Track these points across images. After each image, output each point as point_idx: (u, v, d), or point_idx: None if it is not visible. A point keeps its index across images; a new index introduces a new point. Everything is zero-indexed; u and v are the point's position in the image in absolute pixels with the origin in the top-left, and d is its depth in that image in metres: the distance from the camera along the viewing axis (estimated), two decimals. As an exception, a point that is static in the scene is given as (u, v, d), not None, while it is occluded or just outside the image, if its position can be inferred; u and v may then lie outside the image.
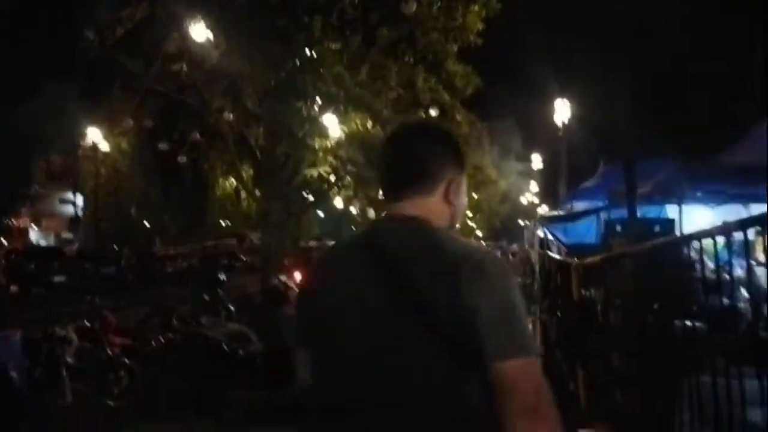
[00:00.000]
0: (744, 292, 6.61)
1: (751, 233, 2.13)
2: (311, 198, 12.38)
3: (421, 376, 1.13)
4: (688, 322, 3.90)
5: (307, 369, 1.30)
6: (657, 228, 4.12)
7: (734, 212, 9.25)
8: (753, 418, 2.11)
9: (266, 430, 5.34)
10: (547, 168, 32.72)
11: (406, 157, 1.31)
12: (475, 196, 35.09)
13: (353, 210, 20.65)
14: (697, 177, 7.05)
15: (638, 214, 7.43)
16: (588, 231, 12.83)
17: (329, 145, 11.38)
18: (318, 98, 9.84)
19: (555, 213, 14.01)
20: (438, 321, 1.11)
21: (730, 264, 2.91)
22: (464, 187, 1.36)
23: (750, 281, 3.56)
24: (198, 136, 11.34)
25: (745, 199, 8.79)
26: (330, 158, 11.53)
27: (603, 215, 12.14)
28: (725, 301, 4.76)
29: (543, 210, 23.67)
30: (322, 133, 11.00)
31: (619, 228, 4.30)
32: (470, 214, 41.15)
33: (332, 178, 11.86)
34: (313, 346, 1.29)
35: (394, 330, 1.15)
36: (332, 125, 10.73)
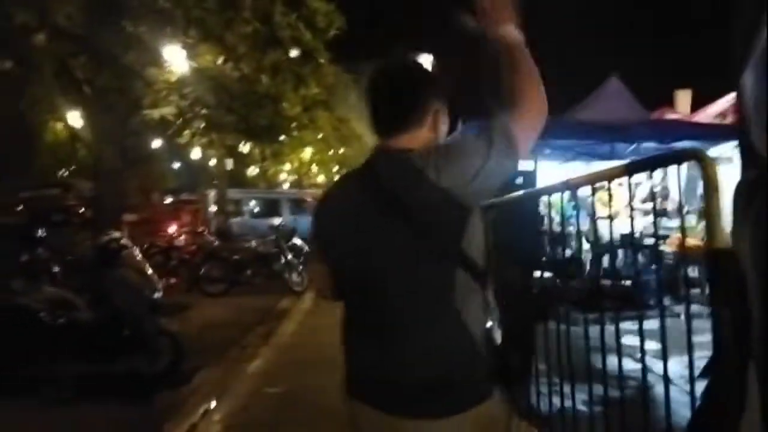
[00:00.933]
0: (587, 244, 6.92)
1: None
2: (154, 144, 10.89)
3: (413, 274, 1.34)
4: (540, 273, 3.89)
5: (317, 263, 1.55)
6: (520, 179, 3.85)
7: (581, 169, 9.81)
8: (596, 363, 2.19)
9: (100, 407, 4.60)
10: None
11: (397, 97, 1.41)
12: (341, 150, 34.64)
13: (213, 161, 19.07)
14: (547, 133, 7.15)
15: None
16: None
17: (173, 82, 9.91)
18: (147, 17, 8.26)
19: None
20: (425, 226, 1.31)
21: (577, 218, 3.03)
22: (445, 116, 1.47)
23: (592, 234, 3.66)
24: (7, 64, 9.17)
25: (589, 157, 9.30)
26: (174, 98, 10.10)
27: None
28: (568, 252, 4.94)
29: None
30: (161, 64, 9.53)
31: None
32: (336, 169, 40.75)
33: (180, 121, 10.49)
34: (325, 251, 1.53)
35: (389, 240, 1.34)
36: (175, 57, 9.32)
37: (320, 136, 28.59)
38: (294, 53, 10.34)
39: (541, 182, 7.68)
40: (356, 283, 1.42)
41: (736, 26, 1.52)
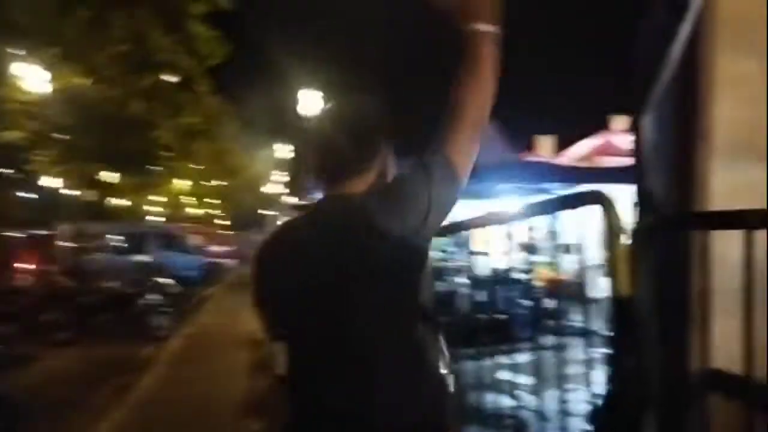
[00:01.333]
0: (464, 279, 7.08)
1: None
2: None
3: (376, 324, 1.28)
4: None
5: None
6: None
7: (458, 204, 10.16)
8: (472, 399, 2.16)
9: None
10: (297, 157, 32.75)
11: (348, 145, 1.34)
12: (222, 183, 33.34)
13: (72, 191, 17.25)
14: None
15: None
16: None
17: (25, 102, 8.75)
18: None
19: (304, 203, 13.72)
20: (382, 272, 1.28)
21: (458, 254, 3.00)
22: (393, 156, 1.42)
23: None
24: None
25: (467, 195, 9.70)
26: (27, 120, 8.94)
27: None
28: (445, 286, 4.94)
29: (289, 200, 23.49)
30: (10, 83, 8.40)
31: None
32: (215, 201, 39.02)
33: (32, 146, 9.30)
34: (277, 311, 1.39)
35: (349, 288, 1.28)
36: (30, 75, 8.28)
37: (199, 167, 27.35)
38: (172, 79, 9.70)
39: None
40: (315, 332, 1.34)
41: (636, 69, 1.54)
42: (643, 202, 1.54)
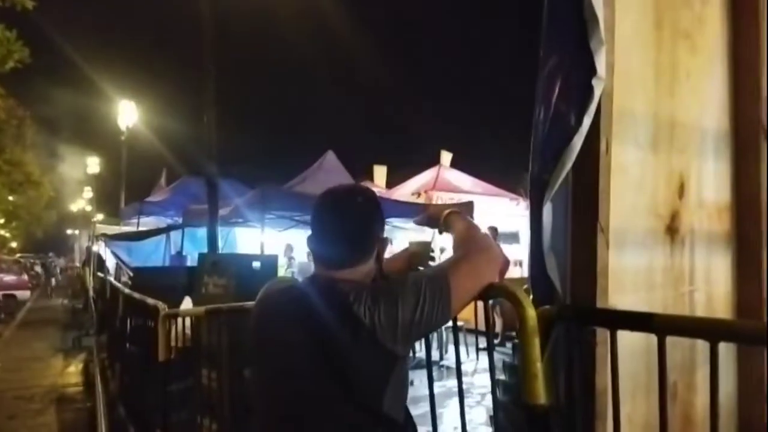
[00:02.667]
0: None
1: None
2: None
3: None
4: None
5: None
6: (257, 264, 3.47)
7: (299, 235, 9.96)
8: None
9: None
10: (107, 174, 29.53)
11: (348, 236, 1.39)
12: (11, 198, 28.72)
13: None
14: (266, 204, 7.03)
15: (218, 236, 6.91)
16: (156, 251, 11.73)
17: None
18: None
19: (118, 230, 12.26)
20: (347, 367, 1.27)
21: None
22: (387, 244, 1.49)
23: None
24: None
25: (306, 225, 9.52)
26: None
27: (175, 233, 11.33)
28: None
29: (99, 220, 21.09)
30: None
31: (216, 265, 3.47)
32: (1, 221, 33.40)
33: None
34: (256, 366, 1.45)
35: (311, 377, 1.28)
36: None
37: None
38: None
39: (267, 246, 7.53)
40: (274, 410, 1.36)
41: (537, 158, 1.49)
42: (540, 292, 1.49)
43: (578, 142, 1.41)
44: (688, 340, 1.63)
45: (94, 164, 29.80)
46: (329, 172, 8.14)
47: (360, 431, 1.28)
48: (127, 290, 5.57)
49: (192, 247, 11.14)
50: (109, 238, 10.49)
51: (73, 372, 7.96)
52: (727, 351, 1.80)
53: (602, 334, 1.45)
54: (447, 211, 1.61)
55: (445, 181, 9.67)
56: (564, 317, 1.36)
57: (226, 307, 2.67)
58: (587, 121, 1.39)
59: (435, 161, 11.30)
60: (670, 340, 1.52)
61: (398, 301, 1.28)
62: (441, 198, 8.83)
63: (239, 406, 3.42)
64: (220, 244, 10.44)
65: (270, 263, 3.57)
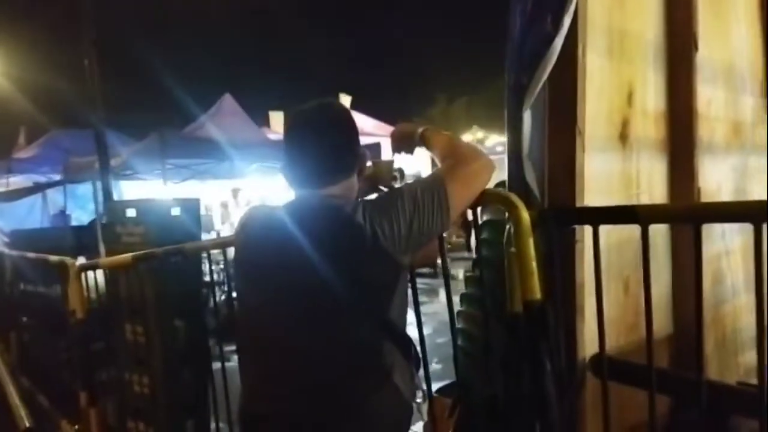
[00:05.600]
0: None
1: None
2: None
3: (354, 331, 1.26)
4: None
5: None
6: (177, 210, 3.25)
7: (198, 187, 9.42)
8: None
9: None
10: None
11: (330, 149, 1.35)
12: None
13: None
14: (170, 149, 6.54)
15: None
16: (31, 212, 10.58)
17: None
18: None
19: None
20: (358, 280, 1.25)
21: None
22: (367, 158, 1.46)
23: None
24: None
25: (207, 175, 9.01)
26: None
27: (53, 192, 10.24)
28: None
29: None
30: None
31: (132, 213, 3.19)
32: None
33: None
34: (243, 289, 1.40)
35: (317, 292, 1.24)
36: None
37: None
38: None
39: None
40: (274, 333, 1.30)
41: (514, 68, 1.49)
42: (523, 197, 1.53)
43: (558, 44, 1.42)
44: (637, 239, 1.76)
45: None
46: (230, 115, 7.69)
47: (369, 344, 1.27)
48: (15, 252, 5.01)
49: (74, 205, 10.21)
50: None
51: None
52: (665, 245, 1.98)
53: (580, 233, 1.54)
54: (421, 129, 1.57)
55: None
56: (545, 218, 1.41)
57: (162, 250, 2.47)
58: (567, 23, 1.41)
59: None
60: (622, 238, 1.65)
61: (398, 210, 1.27)
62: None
63: (172, 357, 3.26)
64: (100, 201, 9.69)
65: (191, 208, 3.34)
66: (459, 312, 2.07)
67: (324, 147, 1.35)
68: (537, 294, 1.32)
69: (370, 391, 1.26)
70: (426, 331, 1.66)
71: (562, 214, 1.45)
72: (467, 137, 20.48)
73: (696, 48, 1.96)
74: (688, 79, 1.97)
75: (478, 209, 1.51)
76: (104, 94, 6.11)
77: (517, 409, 1.54)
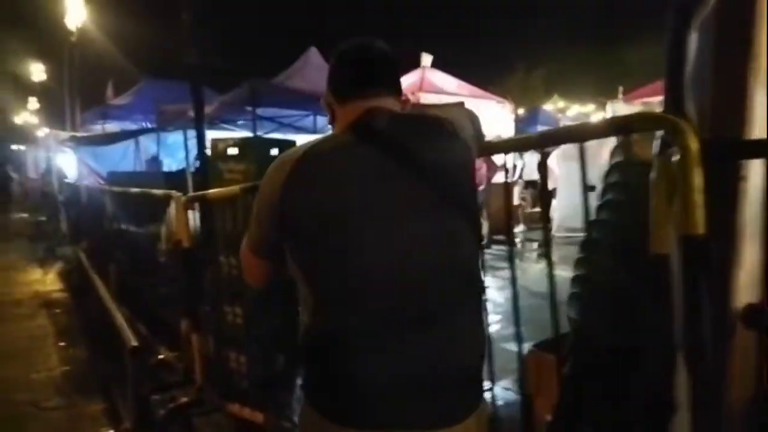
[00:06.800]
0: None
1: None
2: None
3: (454, 244, 1.22)
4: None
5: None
6: (276, 150, 3.29)
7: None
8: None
9: None
10: (52, 83, 27.53)
11: (381, 61, 1.35)
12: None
13: None
14: (261, 98, 6.63)
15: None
16: (124, 157, 11.18)
17: None
18: None
19: (80, 134, 11.56)
20: (458, 190, 1.25)
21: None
22: None
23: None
24: None
25: (292, 129, 9.13)
26: None
27: (145, 138, 10.77)
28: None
29: (45, 132, 19.92)
30: None
31: (233, 151, 3.26)
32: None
33: None
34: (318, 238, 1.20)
35: (422, 211, 1.20)
36: None
37: None
38: None
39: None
40: (371, 270, 1.18)
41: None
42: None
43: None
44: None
45: (38, 71, 27.68)
46: (317, 69, 7.70)
47: (474, 249, 1.28)
48: (117, 188, 5.29)
49: (164, 153, 10.69)
50: (78, 142, 9.89)
51: (52, 279, 7.74)
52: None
53: (746, 169, 1.39)
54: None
55: (430, 82, 9.36)
56: (712, 149, 1.28)
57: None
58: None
59: (414, 65, 10.89)
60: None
61: (460, 116, 1.35)
62: (428, 99, 8.57)
63: (263, 289, 3.35)
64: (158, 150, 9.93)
65: (289, 148, 3.38)
66: (578, 259, 1.97)
67: (381, 49, 1.35)
68: (701, 228, 1.20)
69: (465, 310, 1.25)
70: (505, 295, 1.62)
71: (730, 146, 1.30)
72: (548, 106, 19.73)
73: None
74: None
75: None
76: (198, 42, 6.23)
77: (652, 359, 1.44)
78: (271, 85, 6.87)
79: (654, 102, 9.43)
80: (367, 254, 1.18)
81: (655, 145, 1.40)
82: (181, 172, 7.64)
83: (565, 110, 21.21)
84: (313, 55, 8.09)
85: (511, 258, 2.08)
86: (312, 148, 1.27)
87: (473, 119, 1.39)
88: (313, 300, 1.23)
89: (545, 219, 2.31)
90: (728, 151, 1.30)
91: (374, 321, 1.18)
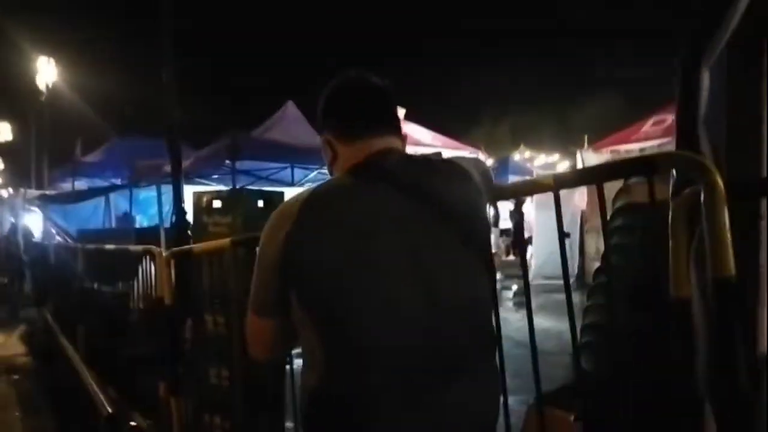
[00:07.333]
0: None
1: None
2: None
3: (474, 288, 1.19)
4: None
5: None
6: (261, 202, 3.20)
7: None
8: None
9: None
10: (20, 139, 27.05)
11: (380, 102, 1.31)
12: None
13: None
14: (243, 151, 6.57)
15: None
16: (94, 214, 10.89)
17: None
18: None
19: (50, 192, 11.26)
20: (475, 232, 1.22)
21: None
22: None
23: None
24: None
25: (269, 182, 9.05)
26: None
27: (115, 195, 10.54)
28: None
29: (10, 192, 19.46)
30: None
31: (218, 204, 3.17)
32: None
33: None
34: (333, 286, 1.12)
35: (447, 256, 1.16)
36: None
37: None
38: None
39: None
40: (393, 319, 1.10)
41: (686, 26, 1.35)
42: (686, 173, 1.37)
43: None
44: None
45: (5, 131, 27.17)
46: (295, 122, 7.73)
47: (490, 295, 1.28)
48: (91, 246, 5.09)
49: (135, 209, 10.46)
50: (47, 200, 9.61)
51: (15, 343, 7.33)
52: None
53: (764, 208, 1.37)
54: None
55: (406, 134, 9.45)
56: (733, 189, 1.25)
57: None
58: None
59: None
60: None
61: (467, 163, 1.32)
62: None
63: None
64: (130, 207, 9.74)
65: (276, 201, 3.30)
66: (587, 307, 1.91)
67: (378, 87, 1.31)
68: (731, 269, 1.16)
69: (485, 358, 1.22)
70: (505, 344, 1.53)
71: (751, 185, 1.28)
72: (516, 156, 20.23)
73: None
74: None
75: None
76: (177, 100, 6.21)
77: (685, 409, 1.37)
78: (251, 138, 6.86)
79: (621, 150, 9.69)
80: (387, 301, 1.10)
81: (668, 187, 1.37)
82: (153, 229, 7.46)
83: (533, 160, 21.74)
84: (291, 107, 8.15)
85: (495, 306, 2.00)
86: (317, 193, 1.20)
87: (478, 165, 1.37)
88: (322, 354, 1.12)
89: (524, 266, 2.23)
90: (749, 190, 1.28)
91: (396, 378, 1.09)
